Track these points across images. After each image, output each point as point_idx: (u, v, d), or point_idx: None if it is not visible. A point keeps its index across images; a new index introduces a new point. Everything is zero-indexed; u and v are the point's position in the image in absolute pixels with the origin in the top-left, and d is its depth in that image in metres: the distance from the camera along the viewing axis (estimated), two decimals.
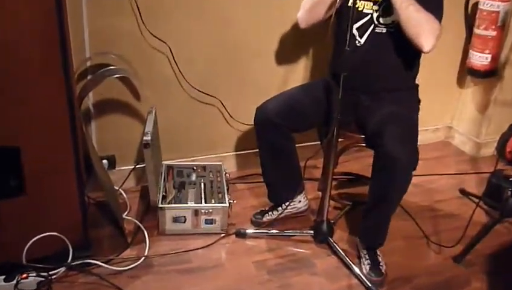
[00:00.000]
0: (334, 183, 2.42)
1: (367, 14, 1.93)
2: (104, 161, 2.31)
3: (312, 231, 2.10)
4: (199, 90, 2.38)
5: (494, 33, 2.60)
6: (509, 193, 2.26)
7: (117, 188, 2.35)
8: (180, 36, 2.25)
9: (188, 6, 2.21)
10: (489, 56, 2.65)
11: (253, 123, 2.07)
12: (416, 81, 2.09)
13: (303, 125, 2.07)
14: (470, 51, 2.72)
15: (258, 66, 2.46)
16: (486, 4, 2.57)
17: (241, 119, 2.51)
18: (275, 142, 2.05)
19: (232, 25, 2.33)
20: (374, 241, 2.00)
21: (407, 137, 1.84)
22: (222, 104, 2.46)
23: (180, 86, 2.35)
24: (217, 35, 2.32)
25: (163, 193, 2.15)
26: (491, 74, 2.72)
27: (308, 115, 2.04)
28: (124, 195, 2.35)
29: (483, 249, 2.11)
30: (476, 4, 2.68)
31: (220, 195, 2.18)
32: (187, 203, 2.12)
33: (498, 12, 2.55)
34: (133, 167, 2.42)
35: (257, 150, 2.13)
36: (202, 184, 2.27)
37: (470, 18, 2.75)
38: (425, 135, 2.99)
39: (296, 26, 2.12)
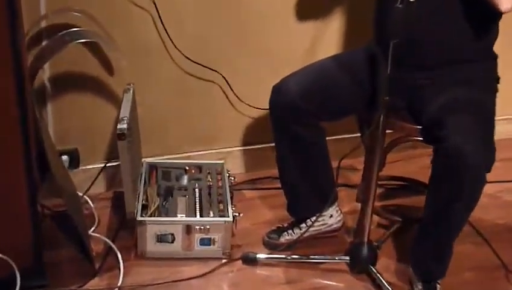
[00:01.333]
0: (379, 191, 2.41)
1: None
2: (64, 158, 2.32)
3: (348, 257, 2.10)
4: (194, 62, 2.38)
5: None
6: None
7: (81, 194, 2.36)
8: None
9: None
10: None
11: (268, 107, 2.07)
12: (494, 52, 2.07)
13: (337, 111, 2.08)
14: None
15: (274, 27, 2.47)
16: None
17: (252, 101, 2.52)
18: (298, 134, 2.06)
19: None
20: (433, 272, 2.00)
21: (480, 127, 1.83)
22: (226, 80, 2.47)
23: (169, 56, 2.36)
24: None
25: (144, 202, 2.16)
26: None
27: (344, 97, 2.05)
28: (91, 204, 2.36)
29: None
30: None
31: (221, 206, 2.19)
32: (176, 217, 2.13)
33: None
34: (103, 165, 2.43)
35: (273, 144, 2.14)
36: (197, 190, 2.27)
37: None
38: (503, 126, 2.96)
39: None
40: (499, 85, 2.07)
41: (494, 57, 2.08)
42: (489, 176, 1.82)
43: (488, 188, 1.82)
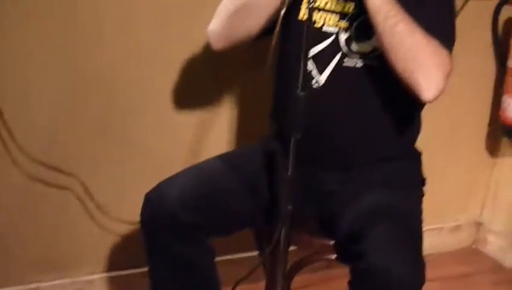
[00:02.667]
0: None
1: (329, 35, 2.01)
2: None
3: None
4: (43, 165, 2.37)
5: None
6: None
7: None
8: (11, 71, 2.27)
9: (27, 24, 2.26)
10: None
11: (140, 221, 2.05)
12: (417, 148, 2.18)
13: (229, 224, 2.09)
14: (505, 96, 2.90)
15: (148, 120, 2.50)
16: None
17: (118, 213, 2.52)
18: (179, 255, 2.04)
19: (100, 51, 2.38)
20: None
21: (405, 240, 1.88)
22: (85, 187, 2.47)
23: (10, 160, 2.34)
24: (75, 70, 2.36)
25: None
26: None
27: (236, 206, 2.06)
28: None
29: None
30: (509, 21, 2.91)
31: None
32: None
33: None
34: None
35: (146, 268, 2.11)
36: None
37: (502, 43, 2.97)
38: (439, 238, 3.09)
39: (208, 49, 2.18)
40: (425, 188, 2.16)
41: (418, 154, 2.18)
42: None
43: None
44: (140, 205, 2.05)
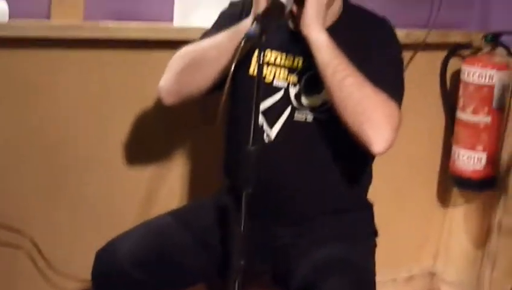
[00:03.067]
0: None
1: (279, 89, 2.02)
2: None
3: None
4: None
5: (488, 119, 2.85)
6: None
7: None
8: None
9: None
10: (484, 156, 2.88)
11: (91, 279, 2.02)
12: (369, 200, 2.20)
13: (181, 280, 2.07)
14: (454, 147, 2.95)
15: (97, 175, 2.47)
16: (474, 74, 2.84)
17: (69, 270, 2.47)
18: None
19: (44, 108, 2.36)
20: None
21: (357, 287, 1.89)
22: (34, 245, 2.41)
23: None
24: (24, 127, 2.34)
25: None
26: (489, 185, 2.94)
27: (188, 262, 2.05)
28: None
29: None
30: (457, 73, 2.96)
31: None
32: None
33: (492, 86, 2.83)
34: None
35: None
36: None
37: (451, 94, 3.02)
38: (393, 288, 3.10)
39: (159, 105, 2.18)
40: (377, 239, 2.16)
41: (369, 205, 2.19)
42: None
43: None
44: (92, 262, 2.02)
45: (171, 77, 2.03)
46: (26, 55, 2.27)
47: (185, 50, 2.03)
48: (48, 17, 2.26)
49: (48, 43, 2.26)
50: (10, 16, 2.18)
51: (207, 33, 2.08)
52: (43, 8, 2.25)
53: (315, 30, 1.89)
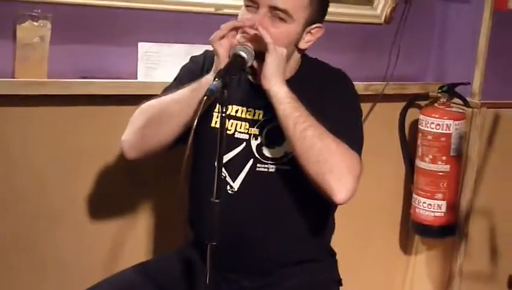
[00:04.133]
0: None
1: (242, 141, 2.03)
2: None
3: None
4: None
5: (446, 167, 2.88)
6: None
7: None
8: None
9: None
10: (444, 203, 2.90)
11: None
12: (332, 248, 2.20)
13: None
14: (414, 195, 2.97)
15: (61, 231, 2.44)
16: (431, 124, 2.87)
17: None
18: None
19: (10, 162, 2.35)
20: None
21: None
22: None
23: None
24: None
25: None
26: (449, 232, 2.96)
27: None
28: None
29: None
30: (416, 122, 2.99)
31: None
32: None
33: (449, 135, 2.86)
34: None
35: None
36: None
37: (410, 143, 3.04)
38: None
39: (122, 158, 2.16)
40: (341, 288, 2.16)
41: (333, 254, 2.19)
42: None
43: None
44: None
45: (134, 132, 2.02)
46: None
47: (147, 105, 2.02)
48: (13, 75, 2.25)
49: (14, 100, 2.25)
50: None
51: (169, 87, 2.08)
52: (5, 66, 2.24)
53: (276, 84, 1.90)
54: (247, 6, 1.95)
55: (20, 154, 2.34)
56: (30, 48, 2.25)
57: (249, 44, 1.88)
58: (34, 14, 2.23)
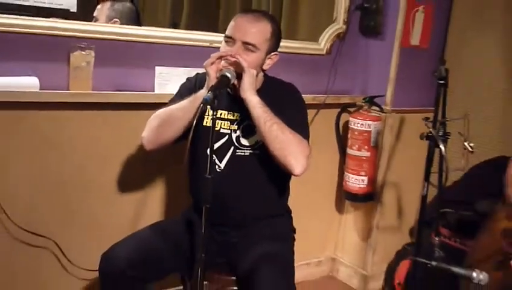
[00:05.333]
0: None
1: (224, 135, 2.04)
2: None
3: None
4: (26, 230, 2.25)
5: (368, 154, 2.89)
6: None
7: None
8: (2, 164, 2.18)
9: (12, 129, 2.18)
10: (366, 178, 2.92)
11: (98, 274, 1.97)
12: (289, 208, 2.21)
13: (161, 271, 2.04)
14: (346, 173, 2.98)
15: (101, 200, 2.43)
16: (357, 124, 2.89)
17: (85, 264, 2.39)
18: None
19: (71, 152, 2.33)
20: None
21: (282, 275, 1.90)
22: (57, 246, 2.35)
23: (2, 226, 2.22)
24: (50, 164, 2.29)
25: None
26: (369, 198, 2.97)
27: (166, 259, 2.01)
28: None
29: None
30: (347, 123, 3.00)
31: None
32: None
33: (370, 131, 2.87)
34: None
35: None
36: None
37: (343, 138, 3.05)
38: (307, 270, 3.09)
39: (142, 149, 2.16)
40: (295, 235, 2.18)
41: (289, 211, 2.21)
42: None
43: None
44: (98, 258, 1.98)
45: (150, 130, 2.04)
46: (51, 115, 2.25)
47: (159, 112, 2.04)
48: (68, 88, 2.23)
49: (68, 105, 2.25)
50: (41, 88, 2.15)
51: (172, 99, 2.10)
52: (61, 82, 2.22)
53: (250, 94, 1.94)
54: (226, 41, 1.99)
55: (70, 145, 2.34)
56: (79, 70, 2.23)
57: (231, 68, 1.90)
58: (82, 45, 2.22)
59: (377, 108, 2.93)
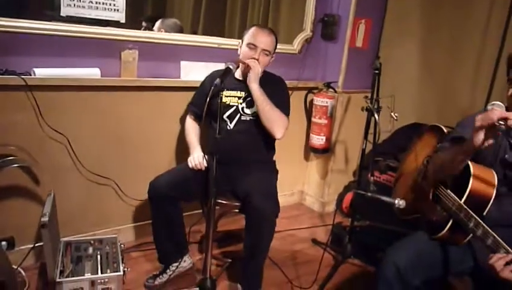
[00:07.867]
0: (215, 244, 2.40)
1: (233, 106, 2.06)
2: (3, 243, 2.03)
3: (197, 288, 2.01)
4: (94, 173, 2.26)
5: (325, 121, 2.88)
6: (347, 239, 2.43)
7: (16, 267, 2.06)
8: (77, 128, 2.16)
9: (83, 104, 2.15)
10: (324, 138, 2.91)
11: (147, 196, 2.00)
12: (274, 158, 2.22)
13: (190, 196, 2.05)
14: (311, 134, 2.97)
15: (146, 150, 2.41)
16: (319, 100, 2.87)
17: (134, 195, 2.41)
18: (168, 212, 2.00)
19: (124, 119, 2.30)
20: (254, 287, 1.99)
21: (269, 193, 1.93)
22: (116, 183, 2.36)
23: (78, 171, 2.22)
24: (110, 127, 2.27)
25: (61, 268, 1.94)
26: (326, 151, 2.98)
27: (193, 187, 2.03)
28: (23, 273, 2.06)
29: (333, 287, 2.20)
30: (312, 100, 2.99)
31: (115, 265, 2.03)
32: (84, 276, 1.93)
33: (327, 106, 2.86)
34: (32, 245, 2.16)
35: (148, 220, 2.05)
36: (99, 256, 2.08)
37: (309, 110, 3.04)
38: (284, 199, 3.12)
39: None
40: (278, 175, 2.19)
41: (274, 161, 2.21)
42: (278, 227, 1.88)
43: (277, 234, 1.88)
44: (144, 190, 2.01)
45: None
46: (109, 94, 2.21)
47: (187, 130, 2.21)
48: (120, 76, 2.20)
49: (120, 88, 2.22)
50: (101, 76, 2.13)
51: (191, 103, 2.20)
52: (115, 71, 2.19)
53: (254, 84, 1.98)
54: (250, 48, 2.01)
55: (122, 115, 2.30)
56: (128, 63, 2.20)
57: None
58: (129, 46, 2.19)
59: (332, 90, 2.91)
